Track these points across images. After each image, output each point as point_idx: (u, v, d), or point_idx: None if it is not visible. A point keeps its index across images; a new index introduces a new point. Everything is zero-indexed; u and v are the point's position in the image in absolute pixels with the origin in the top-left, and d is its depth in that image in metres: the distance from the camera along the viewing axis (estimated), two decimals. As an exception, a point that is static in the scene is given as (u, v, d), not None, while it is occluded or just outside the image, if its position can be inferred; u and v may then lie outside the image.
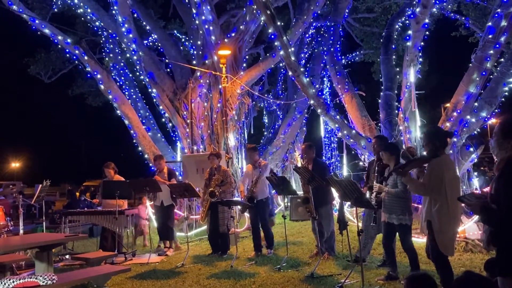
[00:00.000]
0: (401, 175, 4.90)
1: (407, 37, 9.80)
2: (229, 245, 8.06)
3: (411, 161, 4.93)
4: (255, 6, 11.88)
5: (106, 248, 8.14)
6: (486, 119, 9.51)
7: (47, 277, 4.24)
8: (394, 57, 12.88)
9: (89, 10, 13.35)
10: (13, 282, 4.04)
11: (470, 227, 7.32)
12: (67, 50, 13.28)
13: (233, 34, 12.98)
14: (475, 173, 10.98)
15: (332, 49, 13.27)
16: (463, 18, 14.64)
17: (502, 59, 9.53)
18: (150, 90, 13.47)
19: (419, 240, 7.15)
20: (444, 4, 13.19)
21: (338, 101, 13.27)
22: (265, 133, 17.64)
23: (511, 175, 2.64)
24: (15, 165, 44.54)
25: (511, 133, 2.75)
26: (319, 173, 6.59)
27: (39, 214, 16.51)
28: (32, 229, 11.40)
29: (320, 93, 13.79)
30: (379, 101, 11.98)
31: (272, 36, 10.20)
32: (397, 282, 5.49)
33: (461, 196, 3.09)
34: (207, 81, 12.91)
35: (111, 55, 14.21)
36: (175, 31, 16.49)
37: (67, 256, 8.13)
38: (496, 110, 9.42)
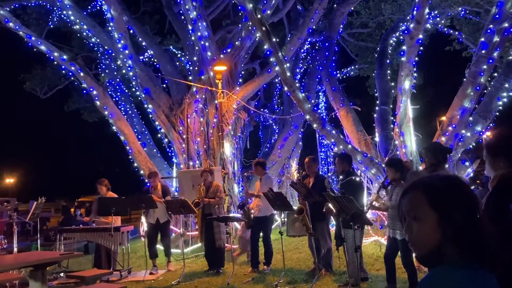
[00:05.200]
0: (400, 187, 4.89)
1: (402, 52, 9.87)
2: (223, 261, 8.00)
3: (411, 175, 4.94)
4: (250, 23, 11.97)
5: (101, 266, 8.05)
6: (481, 133, 9.56)
7: (41, 297, 4.18)
8: (389, 71, 12.98)
9: (85, 27, 13.40)
10: (7, 302, 3.98)
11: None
12: (63, 66, 13.29)
13: (228, 50, 13.05)
14: (472, 187, 10.98)
15: (327, 64, 13.35)
16: (456, 33, 14.80)
17: (496, 74, 9.62)
18: (146, 105, 13.47)
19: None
20: (438, 19, 13.35)
21: (333, 116, 13.31)
22: (261, 148, 17.63)
23: (500, 194, 2.64)
24: (9, 181, 44.25)
25: (500, 151, 2.76)
26: (320, 188, 6.54)
27: (34, 231, 16.35)
28: (26, 247, 11.28)
29: (315, 108, 13.84)
30: (375, 115, 12.03)
31: (268, 52, 10.25)
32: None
33: None
34: (203, 96, 12.93)
35: (107, 71, 14.23)
36: (171, 47, 16.57)
37: (61, 274, 8.04)
38: (491, 124, 9.48)
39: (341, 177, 6.67)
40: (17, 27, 12.31)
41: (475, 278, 1.41)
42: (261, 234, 7.87)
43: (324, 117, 13.59)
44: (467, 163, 9.49)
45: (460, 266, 1.43)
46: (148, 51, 14.66)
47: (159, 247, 8.78)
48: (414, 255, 5.65)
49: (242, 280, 7.09)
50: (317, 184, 6.98)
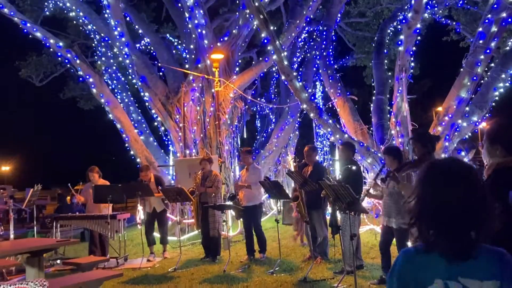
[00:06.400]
0: (395, 181, 4.91)
1: (399, 42, 9.85)
2: (219, 249, 8.04)
3: (404, 165, 4.96)
4: (248, 11, 11.90)
5: (96, 253, 8.09)
6: (477, 124, 9.59)
7: (38, 283, 4.19)
8: (386, 61, 12.98)
9: (81, 14, 13.29)
10: (4, 288, 3.99)
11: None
12: (58, 54, 13.19)
13: (226, 38, 12.99)
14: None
15: (324, 53, 13.32)
16: (454, 23, 14.77)
17: (493, 64, 9.63)
18: (142, 94, 13.42)
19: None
20: (435, 9, 13.31)
21: (330, 105, 13.31)
22: (258, 137, 17.64)
23: (494, 183, 2.66)
24: (5, 168, 44.16)
25: (498, 139, 2.76)
26: (318, 176, 6.56)
27: (30, 219, 16.37)
28: (23, 234, 11.30)
29: (312, 98, 13.83)
30: (371, 105, 12.05)
31: (265, 41, 10.21)
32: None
33: None
34: (200, 85, 12.89)
35: (103, 58, 14.14)
36: (167, 35, 16.48)
37: (58, 261, 8.06)
38: (487, 115, 9.51)
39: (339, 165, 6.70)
40: (12, 13, 12.19)
41: (419, 266, 1.53)
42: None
43: (321, 106, 13.58)
44: (463, 153, 9.53)
45: (419, 249, 1.54)
46: (145, 38, 14.58)
47: (156, 235, 8.82)
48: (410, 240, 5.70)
49: (238, 267, 7.14)
50: (315, 172, 7.00)
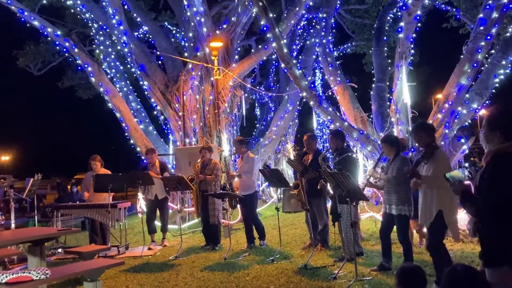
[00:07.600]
0: (418, 178, 4.92)
1: (399, 29, 9.81)
2: (219, 237, 8.07)
3: (418, 163, 4.99)
4: (246, -2, 11.82)
5: (97, 242, 8.12)
6: (477, 111, 9.59)
7: (41, 272, 4.20)
8: (385, 48, 12.91)
9: (78, 2, 13.18)
10: (6, 276, 4.00)
11: (461, 217, 7.37)
12: (56, 42, 13.10)
13: (224, 26, 12.91)
14: (466, 164, 11.08)
15: (324, 40, 13.25)
16: (453, 9, 14.66)
17: (493, 51, 9.59)
18: (141, 82, 13.38)
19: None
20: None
21: (330, 93, 13.28)
22: (258, 125, 17.60)
23: (495, 169, 2.66)
24: (5, 158, 44.17)
25: (497, 125, 2.76)
26: (319, 164, 6.56)
27: (31, 208, 16.40)
28: (23, 223, 11.33)
29: (312, 85, 13.77)
30: (371, 92, 12.03)
31: (264, 28, 10.15)
32: (390, 272, 5.53)
33: (448, 174, 3.06)
34: (199, 73, 12.84)
35: (101, 47, 14.05)
36: (166, 23, 16.36)
37: (59, 250, 8.10)
38: (487, 102, 9.50)
39: (335, 154, 6.69)
40: (9, 1, 12.07)
41: None
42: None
43: (320, 94, 13.55)
44: (462, 140, 9.54)
45: None
46: (143, 27, 14.48)
47: (157, 223, 8.85)
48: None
49: (238, 255, 7.17)
50: (316, 161, 7.00)
